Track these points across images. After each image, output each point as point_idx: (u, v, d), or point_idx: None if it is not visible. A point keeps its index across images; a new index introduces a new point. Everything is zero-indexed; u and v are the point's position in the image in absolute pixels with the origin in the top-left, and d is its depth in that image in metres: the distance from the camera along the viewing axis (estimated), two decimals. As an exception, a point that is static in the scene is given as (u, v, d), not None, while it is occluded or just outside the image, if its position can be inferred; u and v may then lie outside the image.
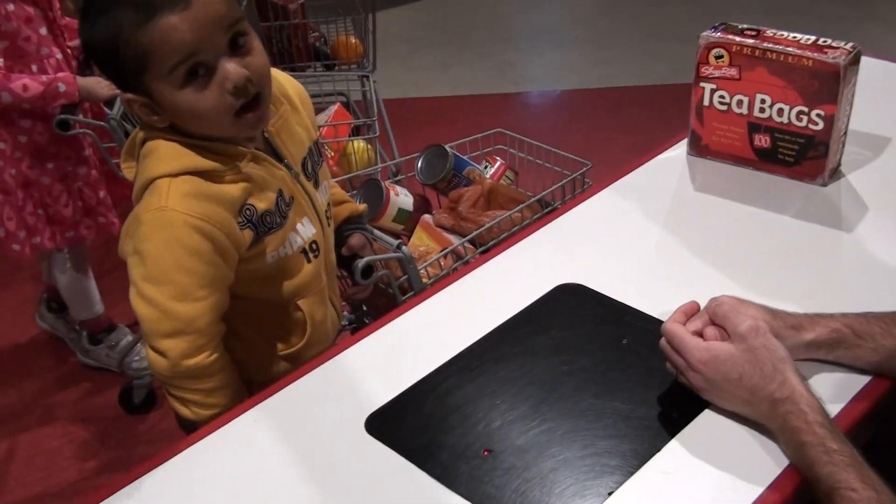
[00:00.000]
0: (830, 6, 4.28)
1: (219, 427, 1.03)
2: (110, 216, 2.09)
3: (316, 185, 1.27)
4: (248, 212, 1.13)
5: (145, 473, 0.99)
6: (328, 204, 1.30)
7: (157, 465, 0.99)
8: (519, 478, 0.93)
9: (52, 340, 2.45)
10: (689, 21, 4.28)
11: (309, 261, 1.24)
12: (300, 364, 1.27)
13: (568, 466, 0.94)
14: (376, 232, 1.41)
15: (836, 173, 1.40)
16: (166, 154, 1.12)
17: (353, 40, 2.72)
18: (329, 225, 1.30)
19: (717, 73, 1.40)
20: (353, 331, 1.59)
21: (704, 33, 1.39)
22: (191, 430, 1.23)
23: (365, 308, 1.67)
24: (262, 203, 1.15)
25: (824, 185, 1.38)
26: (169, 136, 1.12)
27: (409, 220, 1.70)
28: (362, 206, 1.42)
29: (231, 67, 1.05)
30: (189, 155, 1.11)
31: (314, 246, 1.24)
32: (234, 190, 1.12)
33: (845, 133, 1.38)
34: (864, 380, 0.99)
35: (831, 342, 0.99)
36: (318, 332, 1.29)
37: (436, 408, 1.03)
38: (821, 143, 1.35)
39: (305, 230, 1.22)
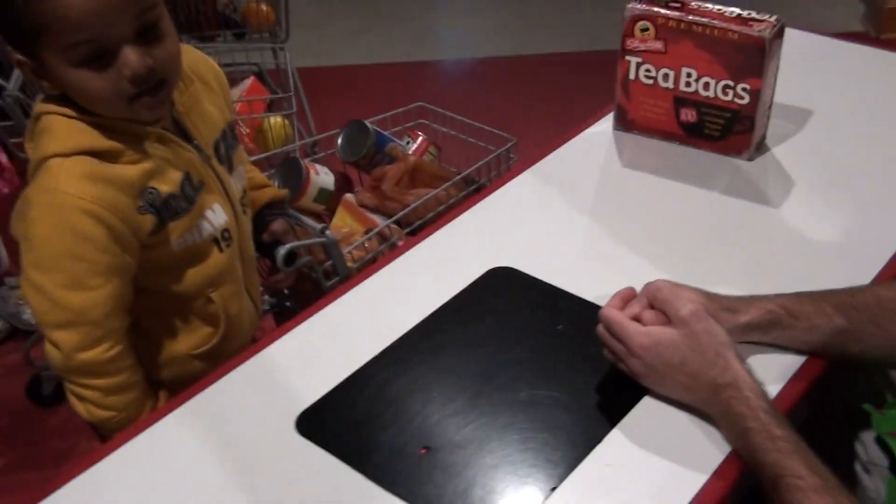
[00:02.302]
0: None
1: (140, 431, 0.97)
2: None
3: (230, 169, 1.20)
4: (150, 195, 1.07)
5: (59, 488, 0.92)
6: (244, 190, 1.24)
7: (73, 478, 0.93)
8: (458, 476, 0.90)
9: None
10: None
11: (221, 250, 1.17)
12: (217, 362, 1.21)
13: (508, 462, 0.91)
14: (300, 217, 1.35)
15: (761, 147, 1.40)
16: (60, 132, 1.04)
17: (264, 7, 2.63)
18: (245, 213, 1.24)
19: (642, 47, 1.37)
20: (276, 315, 1.53)
21: (629, 5, 1.36)
22: (100, 430, 1.16)
23: (287, 293, 1.62)
24: (166, 186, 1.08)
25: (750, 159, 1.37)
26: (66, 110, 1.04)
27: (330, 200, 1.65)
28: (284, 192, 1.36)
29: (133, 56, 0.98)
30: (84, 132, 1.04)
31: (226, 234, 1.18)
32: (132, 172, 1.05)
33: (770, 106, 1.38)
34: (799, 360, 0.99)
35: (766, 323, 0.98)
36: (234, 326, 1.23)
37: (369, 404, 0.99)
38: (746, 117, 1.34)
39: (216, 217, 1.16)
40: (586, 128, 1.51)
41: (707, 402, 0.91)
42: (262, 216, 1.32)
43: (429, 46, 3.89)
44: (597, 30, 3.88)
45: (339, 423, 0.97)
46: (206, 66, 1.19)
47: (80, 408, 1.13)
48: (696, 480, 0.86)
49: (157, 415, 0.99)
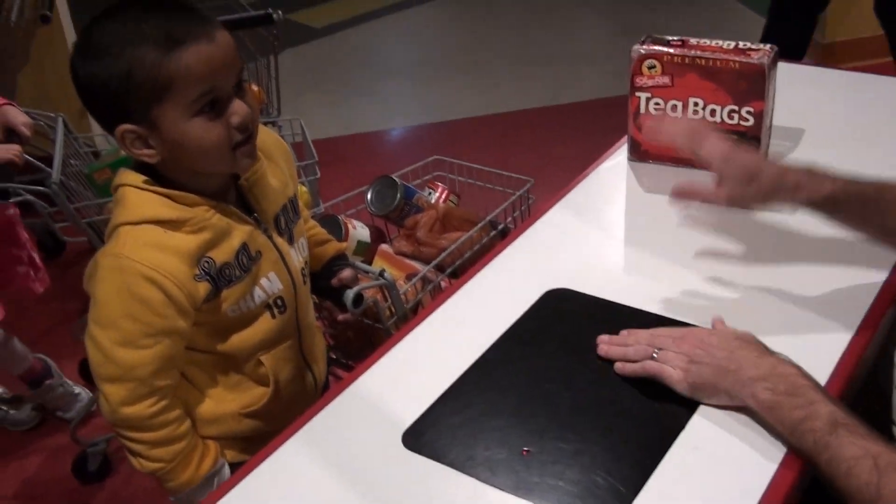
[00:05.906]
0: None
1: (259, 463, 1.05)
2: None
3: (290, 241, 1.29)
4: (206, 264, 1.16)
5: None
6: (305, 262, 1.32)
7: (205, 509, 1.00)
8: (562, 468, 0.99)
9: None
10: (553, 42, 4.50)
11: (273, 316, 1.26)
12: (270, 424, 1.28)
13: (604, 456, 1.00)
14: (360, 265, 1.46)
15: (766, 164, 1.53)
16: (131, 203, 1.15)
17: (255, 87, 2.75)
18: (305, 283, 1.32)
19: (650, 83, 1.51)
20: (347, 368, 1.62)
21: (635, 47, 1.51)
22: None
23: (332, 343, 1.70)
24: (222, 255, 1.17)
25: (759, 175, 1.51)
26: (139, 182, 1.15)
27: (367, 252, 1.75)
28: (345, 244, 1.46)
29: (238, 104, 1.11)
30: (152, 203, 1.14)
31: (279, 302, 1.26)
32: (192, 241, 1.14)
33: (770, 127, 1.52)
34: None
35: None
36: (286, 390, 1.31)
37: (465, 417, 1.08)
38: (753, 137, 1.48)
39: (271, 285, 1.24)
40: (601, 163, 1.64)
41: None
42: (330, 266, 1.42)
43: (402, 113, 4.05)
44: (550, 84, 4.07)
45: (441, 435, 1.06)
46: (273, 142, 1.29)
47: (132, 460, 1.22)
48: (775, 457, 0.97)
49: (272, 446, 1.07)
